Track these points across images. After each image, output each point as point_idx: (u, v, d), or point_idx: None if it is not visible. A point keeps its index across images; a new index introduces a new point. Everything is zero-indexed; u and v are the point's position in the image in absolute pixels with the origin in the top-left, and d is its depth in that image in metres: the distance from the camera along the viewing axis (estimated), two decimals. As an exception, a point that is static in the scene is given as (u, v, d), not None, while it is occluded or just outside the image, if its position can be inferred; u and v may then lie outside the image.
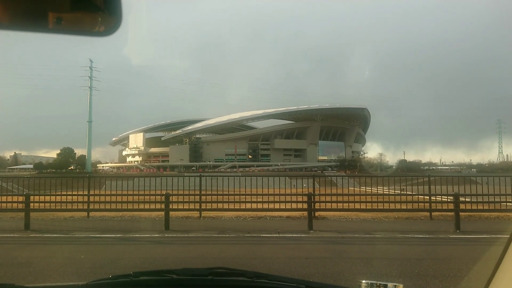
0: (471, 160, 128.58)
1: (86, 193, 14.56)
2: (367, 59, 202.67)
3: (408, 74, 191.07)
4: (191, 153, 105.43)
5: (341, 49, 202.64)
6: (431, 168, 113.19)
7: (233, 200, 13.50)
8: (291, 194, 13.40)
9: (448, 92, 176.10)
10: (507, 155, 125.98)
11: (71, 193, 14.88)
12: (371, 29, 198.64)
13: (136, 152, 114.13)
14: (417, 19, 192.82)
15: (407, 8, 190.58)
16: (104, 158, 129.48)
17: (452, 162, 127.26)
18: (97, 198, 13.97)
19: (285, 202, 13.18)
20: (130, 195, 13.91)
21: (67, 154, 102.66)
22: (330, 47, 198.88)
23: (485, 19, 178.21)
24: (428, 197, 14.52)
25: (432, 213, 13.70)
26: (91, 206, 13.94)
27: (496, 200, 12.70)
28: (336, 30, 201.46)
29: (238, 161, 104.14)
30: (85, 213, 14.34)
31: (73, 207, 13.83)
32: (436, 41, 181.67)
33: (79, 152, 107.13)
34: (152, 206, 13.17)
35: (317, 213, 13.49)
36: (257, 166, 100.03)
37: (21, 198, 13.39)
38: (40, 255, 8.59)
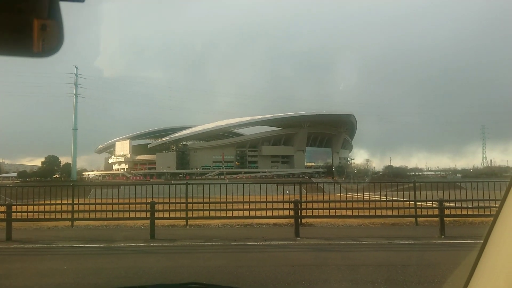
0: (456, 165, 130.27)
1: (70, 201, 14.33)
2: (353, 66, 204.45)
3: (394, 81, 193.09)
4: (178, 160, 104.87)
5: (328, 56, 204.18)
6: (417, 173, 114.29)
7: (219, 208, 13.42)
8: (277, 202, 13.38)
9: (434, 98, 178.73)
10: (491, 160, 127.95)
11: (54, 202, 14.62)
12: (358, 37, 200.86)
13: (122, 159, 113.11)
14: (403, 27, 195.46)
15: (393, 17, 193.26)
16: (89, 166, 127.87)
17: (438, 167, 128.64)
18: (81, 207, 13.77)
19: (272, 209, 13.14)
20: (115, 203, 13.73)
21: (52, 162, 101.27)
22: (316, 55, 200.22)
23: (470, 27, 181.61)
24: (413, 203, 14.60)
25: (418, 218, 13.80)
26: (76, 215, 13.72)
27: (480, 205, 12.83)
28: (322, 37, 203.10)
29: (225, 168, 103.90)
30: (69, 222, 14.13)
31: (56, 217, 13.59)
32: (422, 49, 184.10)
33: (64, 160, 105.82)
34: (138, 214, 13.02)
35: (304, 220, 13.49)
36: (244, 173, 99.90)
37: (2, 208, 13.10)
38: (21, 266, 8.40)
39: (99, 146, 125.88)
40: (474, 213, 12.90)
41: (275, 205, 13.22)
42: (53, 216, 13.52)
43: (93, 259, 9.39)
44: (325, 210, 13.07)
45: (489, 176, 71.97)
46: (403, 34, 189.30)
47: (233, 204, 13.66)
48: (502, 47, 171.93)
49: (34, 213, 13.40)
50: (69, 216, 13.71)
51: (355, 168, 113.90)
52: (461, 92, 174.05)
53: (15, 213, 12.78)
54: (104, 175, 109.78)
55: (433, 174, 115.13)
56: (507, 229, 1.39)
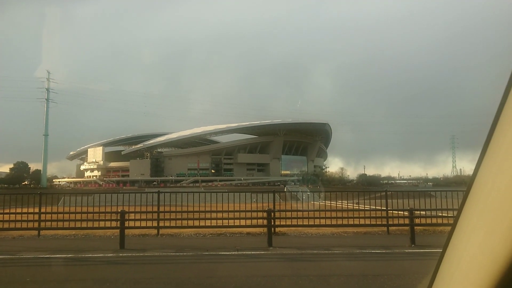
0: (427, 174, 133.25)
1: (37, 210, 13.86)
2: (328, 76, 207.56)
3: (367, 91, 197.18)
4: (153, 168, 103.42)
5: (303, 65, 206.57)
6: (390, 182, 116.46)
7: (192, 217, 13.24)
8: (251, 211, 13.28)
9: (405, 108, 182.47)
10: (460, 169, 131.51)
11: (20, 210, 14.13)
12: (332, 47, 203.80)
13: (95, 166, 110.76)
14: (374, 37, 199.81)
15: (365, 28, 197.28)
16: (60, 173, 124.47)
17: (410, 176, 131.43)
18: (49, 216, 13.35)
19: (246, 218, 13.04)
20: (84, 212, 13.38)
21: (20, 169, 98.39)
22: (291, 64, 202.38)
23: (440, 38, 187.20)
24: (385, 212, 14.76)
25: (389, 227, 13.95)
26: (43, 224, 13.28)
27: (449, 214, 13.09)
28: (297, 47, 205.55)
29: (201, 176, 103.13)
30: (35, 232, 13.65)
31: (22, 226, 13.11)
32: (393, 59, 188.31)
33: (33, 166, 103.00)
34: (108, 223, 12.68)
35: (277, 229, 13.46)
36: (220, 181, 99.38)
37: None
38: (-20, 279, 8.02)
39: (71, 153, 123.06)
40: (444, 222, 13.17)
41: (248, 214, 13.13)
42: (18, 225, 13.07)
43: (58, 271, 9.07)
44: (298, 219, 13.07)
45: (459, 184, 73.78)
46: (374, 45, 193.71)
47: (206, 213, 13.51)
48: (470, 59, 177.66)
49: (-2, 223, 12.91)
50: (36, 225, 13.28)
51: (330, 176, 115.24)
52: (432, 103, 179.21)
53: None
54: (75, 182, 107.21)
55: (406, 182, 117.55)
56: (465, 237, 1.40)
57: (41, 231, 13.68)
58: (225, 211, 13.32)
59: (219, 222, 13.06)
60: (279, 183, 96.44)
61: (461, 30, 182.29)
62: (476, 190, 1.37)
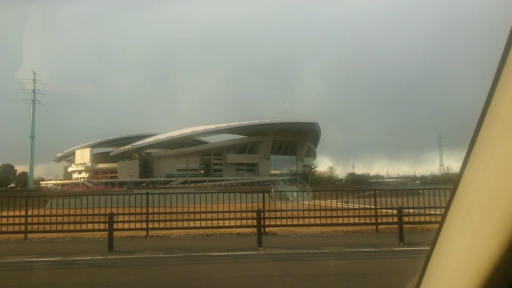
0: (415, 172, 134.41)
1: (24, 213, 13.66)
2: (317, 76, 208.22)
3: (356, 90, 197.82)
4: (141, 169, 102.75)
5: (292, 65, 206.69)
6: (378, 180, 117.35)
7: (181, 218, 13.17)
8: (241, 211, 13.26)
9: (393, 108, 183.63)
10: (448, 167, 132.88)
11: (6, 213, 13.91)
12: (321, 47, 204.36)
13: (83, 168, 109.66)
14: (363, 37, 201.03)
15: (354, 28, 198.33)
16: (47, 175, 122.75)
17: (398, 174, 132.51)
18: (35, 219, 13.16)
19: (235, 219, 13.01)
20: (72, 215, 13.22)
21: (6, 171, 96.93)
22: (281, 64, 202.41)
23: (427, 38, 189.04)
24: (374, 211, 14.86)
25: (378, 226, 14.04)
26: (29, 227, 13.10)
27: (437, 212, 13.23)
28: (286, 47, 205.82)
29: (190, 176, 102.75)
30: (22, 235, 13.46)
31: (8, 229, 12.91)
32: (381, 59, 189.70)
33: (20, 169, 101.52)
34: (96, 226, 12.56)
35: (267, 229, 13.45)
36: (209, 181, 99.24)
37: None
38: (-35, 284, 7.89)
39: (58, 154, 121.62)
40: (432, 219, 13.31)
41: (238, 215, 13.11)
42: (4, 228, 12.87)
43: (46, 274, 8.93)
44: (288, 219, 13.08)
45: (446, 182, 74.60)
46: (363, 44, 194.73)
47: (195, 213, 13.46)
48: (457, 59, 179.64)
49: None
50: (22, 228, 13.09)
51: (319, 176, 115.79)
52: (419, 102, 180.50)
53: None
54: (63, 185, 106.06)
55: (394, 181, 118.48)
56: (452, 235, 1.41)
57: (28, 234, 13.49)
58: (215, 212, 13.29)
59: (209, 223, 13.01)
60: (268, 183, 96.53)
61: (448, 31, 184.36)
62: (463, 188, 1.37)
